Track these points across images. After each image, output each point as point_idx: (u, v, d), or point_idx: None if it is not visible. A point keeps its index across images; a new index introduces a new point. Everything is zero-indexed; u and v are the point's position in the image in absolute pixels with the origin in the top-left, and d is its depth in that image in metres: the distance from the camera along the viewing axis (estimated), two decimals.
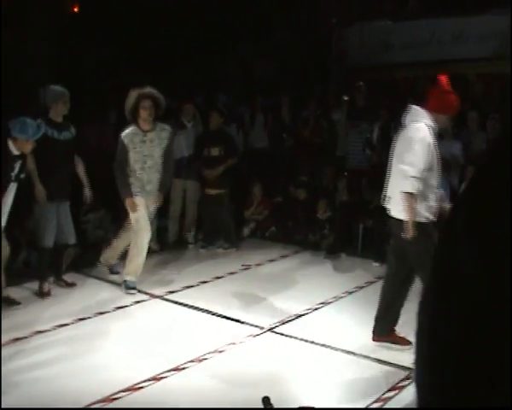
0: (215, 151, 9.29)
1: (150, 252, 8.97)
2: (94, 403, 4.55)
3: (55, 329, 6.06)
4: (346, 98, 10.67)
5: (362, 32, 12.56)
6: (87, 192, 7.66)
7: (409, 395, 4.83)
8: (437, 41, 11.69)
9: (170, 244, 9.50)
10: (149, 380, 4.95)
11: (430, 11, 11.84)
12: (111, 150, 9.79)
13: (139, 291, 7.32)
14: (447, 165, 9.15)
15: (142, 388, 4.83)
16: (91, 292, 7.31)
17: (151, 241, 9.02)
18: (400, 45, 12.14)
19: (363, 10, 12.86)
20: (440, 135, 9.40)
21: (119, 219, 9.37)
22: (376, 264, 8.60)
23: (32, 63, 11.06)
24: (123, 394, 4.71)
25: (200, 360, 5.40)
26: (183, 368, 5.23)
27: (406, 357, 5.42)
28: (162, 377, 5.02)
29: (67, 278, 7.56)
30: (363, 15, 12.67)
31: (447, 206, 5.61)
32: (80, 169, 7.53)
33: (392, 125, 10.33)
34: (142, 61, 12.12)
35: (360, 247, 9.36)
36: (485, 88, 10.94)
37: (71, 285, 7.48)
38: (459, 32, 11.45)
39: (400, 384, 5.00)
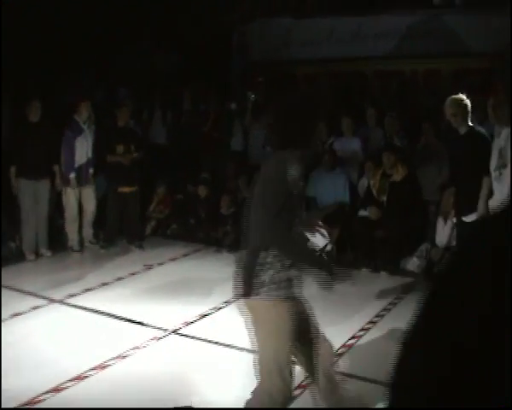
0: (125, 148, 9.10)
1: (43, 257, 8.75)
2: None
3: None
4: (252, 96, 10.68)
5: (263, 27, 12.61)
6: None
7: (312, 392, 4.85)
8: (336, 39, 11.88)
9: (71, 248, 9.18)
10: (50, 392, 4.76)
11: (329, 9, 12.02)
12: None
13: (36, 296, 7.06)
14: (346, 161, 9.33)
15: (42, 400, 4.64)
16: None
17: (42, 247, 8.79)
18: (300, 42, 12.26)
19: (265, 6, 12.92)
20: (340, 132, 9.63)
21: (13, 220, 9.05)
22: None
23: None
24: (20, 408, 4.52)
25: (103, 367, 5.25)
26: (86, 377, 5.06)
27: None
28: (63, 388, 4.84)
29: None
30: (264, 11, 12.73)
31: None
32: None
33: None
34: (38, 56, 11.69)
35: None
36: (382, 85, 11.20)
37: None
38: (357, 30, 11.68)
39: (304, 383, 5.00)
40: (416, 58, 11.28)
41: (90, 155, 9.06)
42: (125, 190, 9.15)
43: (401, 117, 9.62)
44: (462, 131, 6.53)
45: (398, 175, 8.36)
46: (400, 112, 9.82)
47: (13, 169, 8.58)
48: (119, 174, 9.05)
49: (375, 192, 8.55)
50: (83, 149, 8.96)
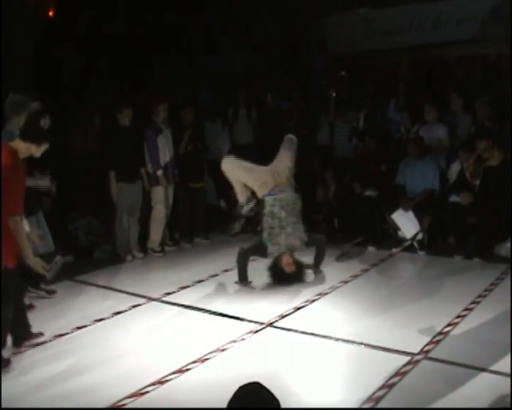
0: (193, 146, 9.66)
1: (136, 259, 9.00)
2: None
3: (54, 339, 6.00)
4: (333, 94, 10.70)
5: (342, 20, 12.56)
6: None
7: (412, 380, 4.84)
8: (417, 26, 11.73)
9: (152, 249, 9.37)
10: (153, 384, 4.90)
11: None
12: (96, 154, 9.73)
13: (135, 296, 7.29)
14: (433, 148, 9.19)
15: (146, 392, 4.79)
16: (87, 299, 7.27)
17: (134, 248, 9.04)
18: (381, 32, 12.15)
19: None
20: (424, 119, 9.50)
21: (107, 222, 9.35)
22: (372, 248, 8.70)
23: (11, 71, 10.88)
24: (127, 400, 4.67)
25: (203, 361, 5.36)
26: (187, 369, 5.19)
27: (408, 343, 5.45)
28: (166, 380, 4.98)
29: (59, 286, 7.54)
30: (343, 3, 12.66)
31: None
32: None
33: (378, 112, 10.37)
34: (122, 63, 12.02)
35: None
36: (466, 70, 10.96)
37: (51, 293, 7.37)
38: (438, 15, 11.48)
39: (403, 370, 4.99)
40: (501, 41, 10.99)
41: (172, 153, 9.27)
42: (195, 185, 9.60)
43: (490, 102, 9.41)
44: None
45: (495, 160, 8.19)
46: (488, 97, 9.59)
47: (112, 174, 8.80)
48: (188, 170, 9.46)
49: (468, 176, 8.38)
50: (165, 148, 9.16)
